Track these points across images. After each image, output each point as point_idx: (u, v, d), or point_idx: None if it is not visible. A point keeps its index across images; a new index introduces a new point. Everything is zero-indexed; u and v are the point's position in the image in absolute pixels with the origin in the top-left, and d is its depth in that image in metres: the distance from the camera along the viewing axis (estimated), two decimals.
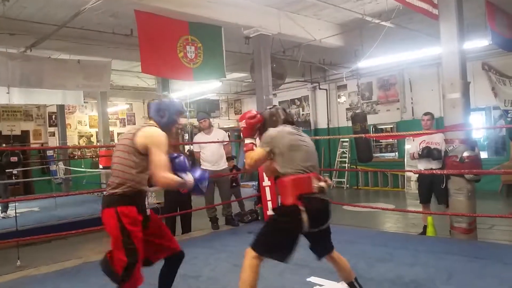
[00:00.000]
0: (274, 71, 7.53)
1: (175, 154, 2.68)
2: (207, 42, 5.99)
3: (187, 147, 11.11)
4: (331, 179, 12.11)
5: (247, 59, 8.47)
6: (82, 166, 13.04)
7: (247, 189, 10.29)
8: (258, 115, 2.84)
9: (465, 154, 4.57)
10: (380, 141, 11.88)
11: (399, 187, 10.77)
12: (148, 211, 2.70)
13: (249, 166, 2.78)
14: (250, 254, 2.54)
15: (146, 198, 2.71)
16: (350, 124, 11.21)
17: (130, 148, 2.53)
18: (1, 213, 7.94)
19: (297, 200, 2.50)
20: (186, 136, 14.69)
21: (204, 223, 6.11)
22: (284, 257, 2.55)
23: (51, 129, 14.42)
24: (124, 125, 16.09)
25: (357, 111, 10.10)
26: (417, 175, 9.37)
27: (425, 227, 5.36)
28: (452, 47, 4.81)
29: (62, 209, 8.36)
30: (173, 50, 5.63)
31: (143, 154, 2.51)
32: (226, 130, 9.00)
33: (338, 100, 12.71)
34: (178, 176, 2.55)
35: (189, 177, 2.59)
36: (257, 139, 2.87)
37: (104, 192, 2.68)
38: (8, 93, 7.56)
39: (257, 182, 6.85)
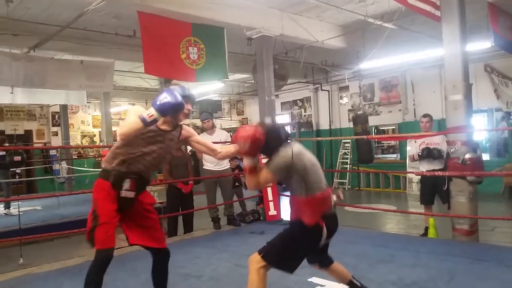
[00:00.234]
0: (276, 72, 7.55)
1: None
2: (210, 43, 6.01)
3: (189, 148, 11.14)
4: (332, 180, 12.14)
5: (249, 60, 8.50)
6: (85, 166, 13.08)
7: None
8: (262, 133, 2.47)
9: (467, 156, 4.58)
10: (382, 142, 11.88)
11: (401, 188, 10.76)
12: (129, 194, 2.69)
13: (253, 189, 2.71)
14: (258, 263, 2.43)
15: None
16: (352, 125, 11.23)
17: None
18: (4, 209, 8.02)
19: (321, 219, 2.48)
20: None
21: (206, 223, 6.13)
22: (294, 269, 2.55)
23: (54, 129, 14.48)
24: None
25: (358, 113, 10.11)
26: (419, 177, 9.45)
27: (426, 229, 5.36)
28: (454, 49, 4.82)
29: (65, 208, 8.39)
30: (175, 51, 5.66)
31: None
32: (228, 130, 9.07)
33: (340, 101, 12.73)
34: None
35: (149, 109, 2.50)
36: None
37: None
38: (11, 93, 7.58)
39: None
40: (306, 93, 13.38)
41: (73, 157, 14.16)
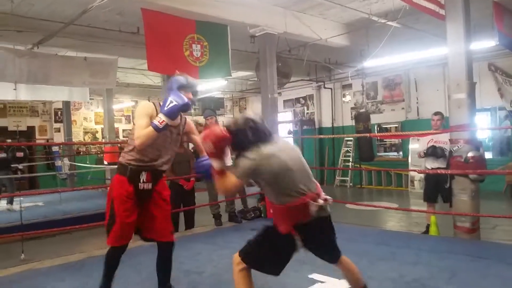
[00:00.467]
0: (279, 70, 7.54)
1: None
2: (213, 41, 6.00)
3: (191, 145, 11.16)
4: (334, 177, 12.13)
5: (252, 58, 8.49)
6: (87, 162, 13.12)
7: (251, 187, 10.31)
8: (227, 135, 2.32)
9: (470, 154, 4.57)
10: (384, 140, 11.87)
11: (403, 186, 10.75)
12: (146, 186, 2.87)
13: (222, 194, 2.58)
14: (239, 265, 2.36)
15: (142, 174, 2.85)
16: (354, 123, 11.22)
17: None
18: (7, 204, 8.06)
19: (293, 230, 2.30)
20: None
21: (207, 219, 6.14)
22: (276, 272, 2.41)
23: (57, 125, 14.52)
24: (129, 122, 16.16)
25: (360, 111, 10.10)
26: (421, 175, 9.44)
27: (428, 226, 5.36)
28: (458, 48, 4.80)
29: (67, 204, 8.43)
30: (179, 49, 5.65)
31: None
32: None
33: (343, 99, 12.71)
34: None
35: (158, 116, 2.66)
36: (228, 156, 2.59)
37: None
38: (15, 89, 7.63)
39: None
40: (309, 91, 13.37)
41: (75, 153, 14.20)
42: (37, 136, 14.19)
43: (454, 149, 4.73)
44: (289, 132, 12.93)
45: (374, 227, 6.44)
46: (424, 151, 5.42)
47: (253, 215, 6.25)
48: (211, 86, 11.91)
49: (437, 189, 5.36)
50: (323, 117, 13.23)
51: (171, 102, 2.62)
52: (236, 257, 2.41)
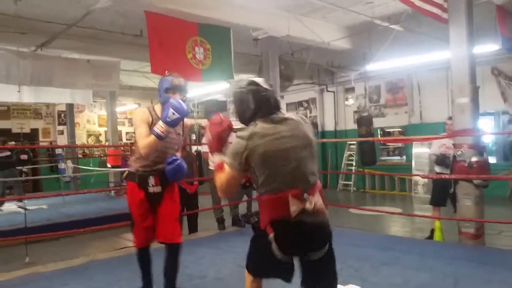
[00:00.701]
0: (282, 73, 7.54)
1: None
2: (216, 44, 6.02)
3: (194, 148, 11.16)
4: (337, 181, 12.09)
5: (255, 61, 8.49)
6: (91, 165, 13.13)
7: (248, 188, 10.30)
8: (226, 120, 2.19)
9: (474, 159, 4.55)
10: (388, 144, 11.84)
11: (406, 191, 10.72)
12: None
13: (222, 194, 2.17)
14: (248, 277, 2.16)
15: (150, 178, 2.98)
16: (357, 127, 11.20)
17: None
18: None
19: (269, 226, 1.99)
20: (194, 137, 14.76)
21: (211, 223, 6.13)
22: (284, 277, 2.08)
23: (60, 128, 14.54)
24: (132, 125, 16.15)
25: (363, 114, 10.09)
26: (425, 179, 9.41)
27: (432, 231, 5.34)
28: (461, 52, 4.80)
29: (70, 207, 8.43)
30: (182, 51, 5.67)
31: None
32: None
33: (346, 102, 12.70)
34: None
35: (158, 124, 2.76)
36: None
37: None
38: (18, 91, 7.64)
39: None
40: (312, 94, 13.35)
41: (79, 156, 14.22)
42: (40, 139, 14.22)
43: (457, 153, 4.72)
44: None
45: (378, 232, 6.42)
46: (435, 155, 5.40)
47: (256, 219, 6.19)
48: (214, 89, 11.91)
49: (444, 193, 5.34)
50: (325, 121, 13.22)
51: (173, 114, 2.70)
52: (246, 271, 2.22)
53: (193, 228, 5.95)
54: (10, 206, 8.46)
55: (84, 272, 4.09)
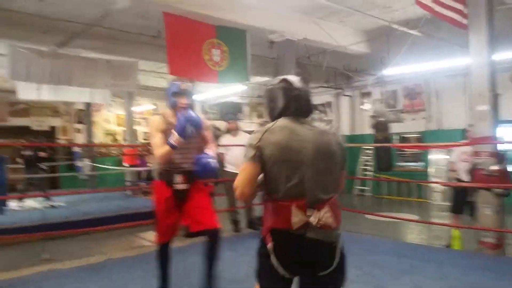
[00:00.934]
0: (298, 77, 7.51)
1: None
2: (233, 46, 6.04)
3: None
4: (352, 187, 11.99)
5: (270, 63, 8.49)
6: (108, 164, 13.28)
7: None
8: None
9: (493, 167, 4.48)
10: (404, 150, 11.71)
11: (423, 197, 10.59)
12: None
13: (239, 194, 1.90)
14: None
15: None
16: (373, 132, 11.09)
17: None
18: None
19: (269, 235, 1.84)
20: None
21: (225, 224, 6.13)
22: None
23: (78, 126, 14.74)
24: (148, 125, 16.28)
25: (379, 119, 10.00)
26: (442, 186, 9.28)
27: (451, 239, 5.26)
28: (481, 58, 4.74)
29: (87, 205, 8.55)
30: (199, 53, 5.70)
31: None
32: (248, 133, 9.05)
33: (362, 107, 12.60)
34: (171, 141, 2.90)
35: (173, 135, 2.90)
36: None
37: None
38: (38, 89, 7.79)
39: None
40: (328, 98, 13.28)
41: (96, 154, 14.40)
42: (58, 136, 14.44)
43: (477, 162, 4.65)
44: None
45: (394, 238, 6.35)
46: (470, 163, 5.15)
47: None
48: (230, 91, 11.95)
49: (464, 201, 5.27)
50: (342, 125, 13.13)
51: (187, 128, 2.87)
52: None
53: None
54: (30, 203, 8.62)
55: (101, 270, 4.13)
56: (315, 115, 13.73)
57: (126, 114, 13.19)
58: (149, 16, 6.45)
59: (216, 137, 5.67)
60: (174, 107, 3.05)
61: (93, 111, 14.05)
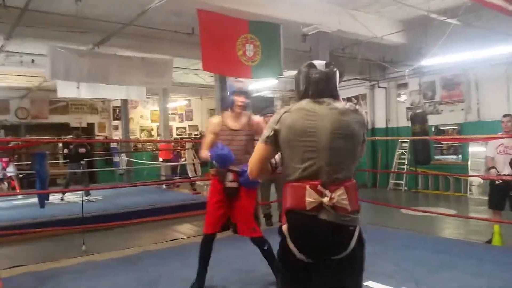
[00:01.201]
0: None
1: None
2: (266, 41, 6.00)
3: None
4: (388, 180, 11.74)
5: (304, 57, 8.39)
6: (144, 159, 13.58)
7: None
8: None
9: None
10: (442, 142, 11.35)
11: (461, 192, 10.24)
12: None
13: (251, 172, 1.96)
14: None
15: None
16: (410, 124, 10.81)
17: None
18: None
19: (284, 216, 1.84)
20: None
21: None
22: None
23: (115, 123, 15.15)
24: (182, 121, 16.58)
25: (417, 111, 9.71)
26: (481, 180, 8.94)
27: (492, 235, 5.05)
28: None
29: (124, 199, 8.78)
30: (232, 49, 5.69)
31: None
32: None
33: (398, 99, 12.29)
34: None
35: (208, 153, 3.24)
36: None
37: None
38: (78, 87, 8.04)
39: None
40: (362, 90, 13.03)
41: (132, 150, 14.76)
42: (96, 133, 14.88)
43: None
44: None
45: (432, 234, 6.18)
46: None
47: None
48: (262, 85, 11.93)
49: (504, 196, 5.04)
50: (376, 117, 12.87)
51: (216, 161, 3.19)
52: None
53: None
54: (69, 197, 8.94)
55: (137, 262, 4.23)
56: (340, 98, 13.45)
57: (161, 110, 13.42)
58: (183, 14, 6.51)
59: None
60: (233, 106, 3.32)
61: (129, 108, 14.39)
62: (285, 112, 1.85)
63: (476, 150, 9.73)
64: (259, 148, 1.89)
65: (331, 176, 1.75)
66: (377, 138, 12.13)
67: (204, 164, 11.34)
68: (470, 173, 9.56)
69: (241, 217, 3.36)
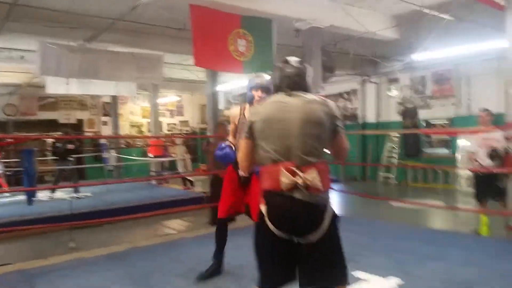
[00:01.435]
0: (323, 64, 7.39)
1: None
2: (258, 36, 5.98)
3: None
4: (378, 173, 11.79)
5: (296, 52, 8.34)
6: (133, 155, 13.48)
7: None
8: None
9: None
10: (431, 136, 11.41)
11: (450, 184, 10.32)
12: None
13: (240, 166, 2.19)
14: None
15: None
16: (400, 118, 10.88)
17: None
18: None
19: (262, 198, 2.00)
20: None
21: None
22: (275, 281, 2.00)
23: (104, 119, 15.01)
24: (173, 116, 16.50)
25: (408, 106, 9.74)
26: (469, 172, 9.00)
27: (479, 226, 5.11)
28: None
29: (113, 195, 8.70)
30: (224, 44, 5.66)
31: None
32: None
33: (389, 93, 12.32)
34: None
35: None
36: None
37: None
38: (67, 84, 7.94)
39: None
40: (353, 85, 13.05)
41: (122, 146, 14.64)
42: (85, 129, 14.74)
43: (511, 147, 4.47)
44: None
45: (421, 225, 6.22)
46: (492, 149, 5.01)
47: None
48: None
49: (488, 187, 5.08)
50: (367, 112, 12.91)
51: (219, 159, 3.34)
52: None
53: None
54: (58, 194, 8.84)
55: (126, 258, 4.19)
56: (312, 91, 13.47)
57: (151, 106, 13.33)
58: (175, 9, 6.45)
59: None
60: (252, 100, 3.31)
61: (119, 104, 14.27)
62: (259, 107, 2.07)
63: (465, 143, 9.79)
64: (242, 144, 2.10)
65: (303, 159, 1.90)
66: (366, 132, 12.15)
67: (194, 160, 11.26)
68: (460, 165, 9.63)
69: (254, 203, 3.29)
